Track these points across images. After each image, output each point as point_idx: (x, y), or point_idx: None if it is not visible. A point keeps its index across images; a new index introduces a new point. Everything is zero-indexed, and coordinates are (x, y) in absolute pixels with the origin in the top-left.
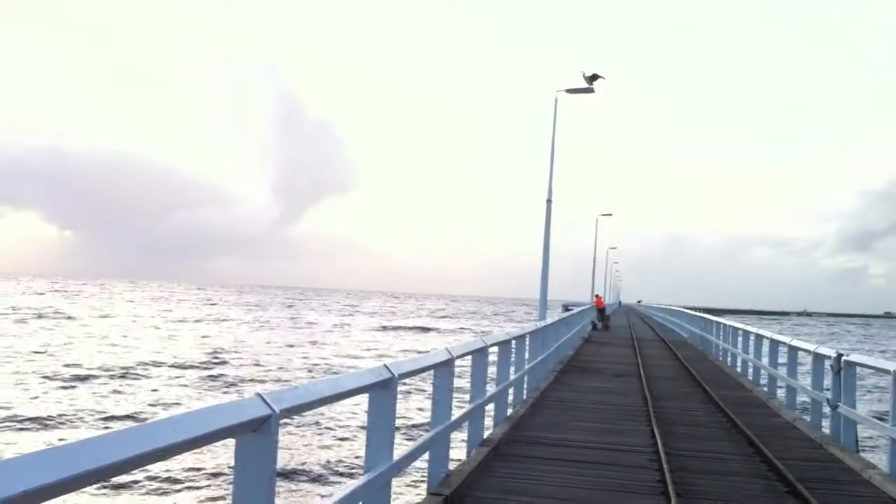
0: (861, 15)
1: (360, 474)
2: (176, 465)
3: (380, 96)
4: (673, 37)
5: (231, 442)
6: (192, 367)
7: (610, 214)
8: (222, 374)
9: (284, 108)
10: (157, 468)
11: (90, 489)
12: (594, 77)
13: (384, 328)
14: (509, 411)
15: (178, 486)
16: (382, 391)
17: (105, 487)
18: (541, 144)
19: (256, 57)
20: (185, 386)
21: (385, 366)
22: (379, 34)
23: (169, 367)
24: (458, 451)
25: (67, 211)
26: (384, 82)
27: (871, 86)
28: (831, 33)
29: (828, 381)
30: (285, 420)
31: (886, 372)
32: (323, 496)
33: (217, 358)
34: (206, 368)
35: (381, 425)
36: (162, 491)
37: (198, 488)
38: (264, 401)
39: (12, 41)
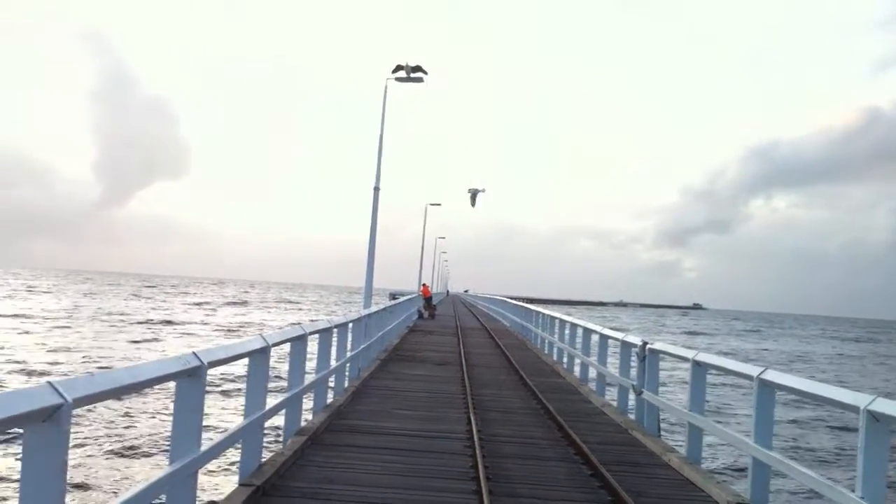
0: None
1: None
2: None
3: (217, 77)
4: (510, 26)
5: None
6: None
7: (439, 204)
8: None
9: (110, 83)
10: None
11: None
12: (416, 69)
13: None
14: (329, 400)
15: None
16: (190, 380)
17: None
18: (375, 131)
19: (80, 28)
20: None
21: (194, 353)
22: (218, 12)
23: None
24: (276, 440)
25: None
26: (221, 63)
27: (694, 86)
28: (664, 33)
29: (635, 368)
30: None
31: (686, 360)
32: (124, 488)
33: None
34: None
35: (188, 415)
36: None
37: None
38: (55, 389)
39: None
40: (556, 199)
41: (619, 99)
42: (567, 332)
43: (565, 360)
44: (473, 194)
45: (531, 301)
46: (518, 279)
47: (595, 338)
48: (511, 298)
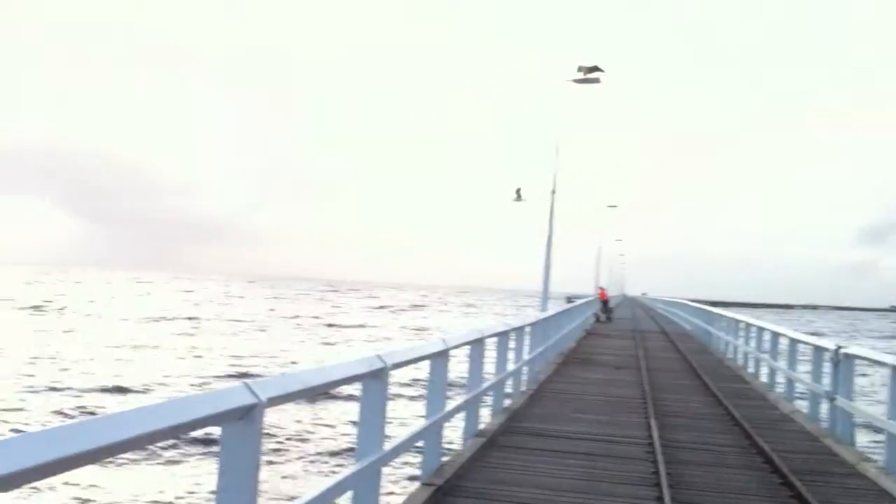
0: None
1: (351, 464)
2: (162, 451)
3: (375, 81)
4: (692, 23)
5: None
6: None
7: (616, 206)
8: None
9: (277, 94)
10: (141, 454)
11: (80, 472)
12: (593, 69)
13: None
14: (507, 402)
15: (164, 472)
16: (374, 381)
17: (90, 470)
18: (552, 135)
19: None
20: None
21: (378, 355)
22: (378, 24)
23: None
24: (455, 442)
25: (73, 199)
26: (373, 67)
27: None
28: (845, 28)
29: (827, 373)
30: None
31: (884, 365)
32: (313, 484)
33: None
34: None
35: (372, 415)
36: (150, 475)
37: (184, 475)
38: (250, 389)
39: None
40: (738, 197)
41: (817, 90)
42: (753, 335)
43: (751, 365)
44: (518, 193)
45: (714, 304)
46: (699, 281)
47: (783, 342)
48: (692, 301)
